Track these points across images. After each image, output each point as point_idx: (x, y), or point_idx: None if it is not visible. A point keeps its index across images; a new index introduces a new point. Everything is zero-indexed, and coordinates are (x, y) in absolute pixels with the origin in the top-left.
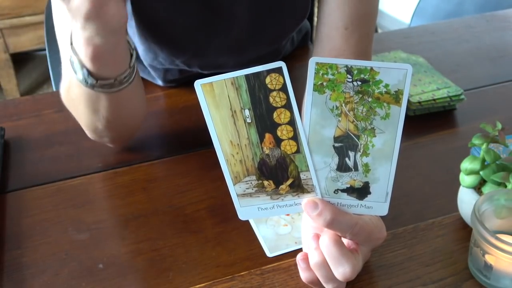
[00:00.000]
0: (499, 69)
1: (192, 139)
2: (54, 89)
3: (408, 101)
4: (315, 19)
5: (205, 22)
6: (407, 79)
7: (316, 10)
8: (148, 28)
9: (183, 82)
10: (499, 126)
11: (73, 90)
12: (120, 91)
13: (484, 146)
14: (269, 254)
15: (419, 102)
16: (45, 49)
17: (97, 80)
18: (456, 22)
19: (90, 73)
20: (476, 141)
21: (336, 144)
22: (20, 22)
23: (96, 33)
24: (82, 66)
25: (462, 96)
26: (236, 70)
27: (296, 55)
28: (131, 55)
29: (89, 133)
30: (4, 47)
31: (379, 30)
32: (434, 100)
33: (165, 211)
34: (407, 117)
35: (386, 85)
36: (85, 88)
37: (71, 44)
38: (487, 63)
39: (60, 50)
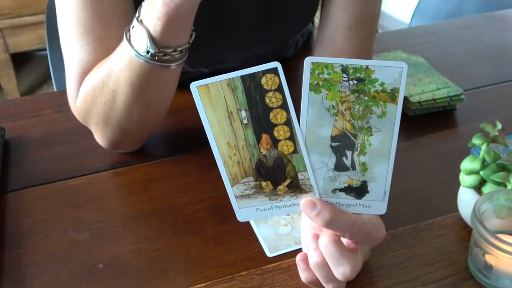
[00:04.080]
0: (499, 69)
1: (192, 139)
2: (55, 89)
3: (408, 101)
4: (316, 20)
5: (212, 24)
6: (402, 77)
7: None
8: None
9: (183, 83)
10: (499, 126)
11: (116, 77)
12: (171, 68)
13: (484, 146)
14: (269, 254)
15: (419, 102)
16: (45, 49)
17: (159, 48)
18: (456, 22)
19: (154, 41)
20: (476, 141)
21: (333, 144)
22: (20, 22)
23: None
24: (148, 34)
25: (462, 96)
26: (240, 64)
27: (298, 56)
28: (191, 34)
29: (114, 134)
30: (4, 47)
31: (379, 30)
32: (434, 100)
33: (165, 211)
34: (407, 117)
35: (382, 84)
36: (138, 66)
37: (137, 17)
38: (487, 63)
39: (68, 52)
